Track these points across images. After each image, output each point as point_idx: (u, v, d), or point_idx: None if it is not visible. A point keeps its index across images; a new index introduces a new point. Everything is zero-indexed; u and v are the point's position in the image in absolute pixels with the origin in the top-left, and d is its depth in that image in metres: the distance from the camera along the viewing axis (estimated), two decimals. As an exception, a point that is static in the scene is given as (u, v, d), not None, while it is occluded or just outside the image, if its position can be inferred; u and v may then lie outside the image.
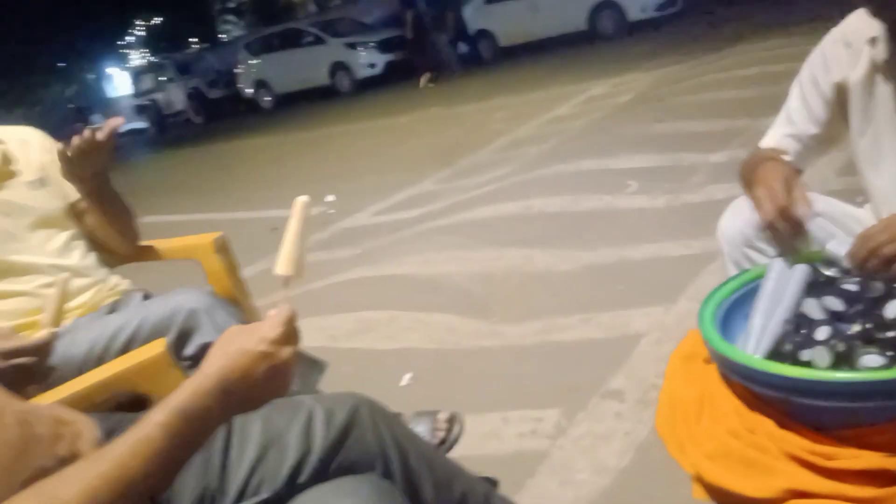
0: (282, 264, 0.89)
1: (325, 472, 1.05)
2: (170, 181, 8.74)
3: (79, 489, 0.66)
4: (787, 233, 1.15)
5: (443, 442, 1.66)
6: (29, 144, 1.65)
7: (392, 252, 3.42)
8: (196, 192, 7.13)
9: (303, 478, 1.03)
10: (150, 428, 0.72)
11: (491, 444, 1.84)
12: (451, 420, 1.69)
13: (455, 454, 1.73)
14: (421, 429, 1.64)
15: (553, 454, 1.71)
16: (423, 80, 11.38)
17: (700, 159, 3.69)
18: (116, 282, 1.69)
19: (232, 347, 0.80)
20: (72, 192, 1.71)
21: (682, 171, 3.56)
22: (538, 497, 1.59)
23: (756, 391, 0.99)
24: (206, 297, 1.44)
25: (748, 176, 1.30)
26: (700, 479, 1.03)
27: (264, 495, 1.01)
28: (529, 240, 3.07)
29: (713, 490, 1.01)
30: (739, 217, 1.37)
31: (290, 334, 0.82)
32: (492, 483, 1.52)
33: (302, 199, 0.92)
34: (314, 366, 1.57)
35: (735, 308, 1.17)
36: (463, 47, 12.61)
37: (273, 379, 0.81)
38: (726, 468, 0.98)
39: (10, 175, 1.57)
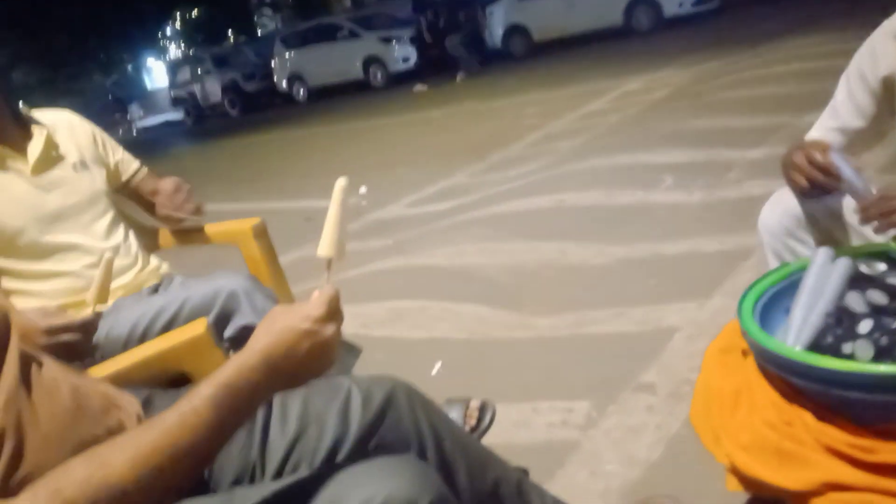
0: (324, 246, 0.91)
1: (361, 452, 1.06)
2: (206, 171, 8.87)
3: (129, 456, 0.69)
4: (820, 180, 1.18)
5: (474, 429, 1.67)
6: (71, 128, 1.69)
7: (424, 243, 3.44)
8: (231, 182, 7.22)
9: (340, 457, 1.05)
10: (197, 401, 0.74)
11: (521, 433, 1.84)
12: (483, 408, 1.70)
13: (485, 442, 1.74)
14: (453, 415, 1.65)
15: (583, 445, 1.71)
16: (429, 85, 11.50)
17: (737, 155, 3.64)
18: (157, 264, 1.73)
19: (277, 325, 0.82)
20: (115, 175, 1.75)
21: (719, 167, 3.52)
22: (567, 487, 1.59)
23: (795, 383, 0.98)
24: (246, 281, 1.47)
25: (787, 161, 1.29)
26: (734, 471, 1.02)
27: (303, 473, 1.03)
28: (562, 233, 3.06)
29: (748, 481, 1.01)
30: (780, 207, 1.35)
31: (333, 313, 0.84)
32: (524, 471, 1.53)
33: (341, 182, 0.93)
34: (350, 350, 1.59)
35: (775, 301, 1.16)
36: (480, 46, 12.64)
37: (317, 357, 0.82)
38: (762, 460, 0.98)
39: (55, 158, 1.61)
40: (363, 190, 4.98)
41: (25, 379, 0.85)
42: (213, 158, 10.33)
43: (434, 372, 2.22)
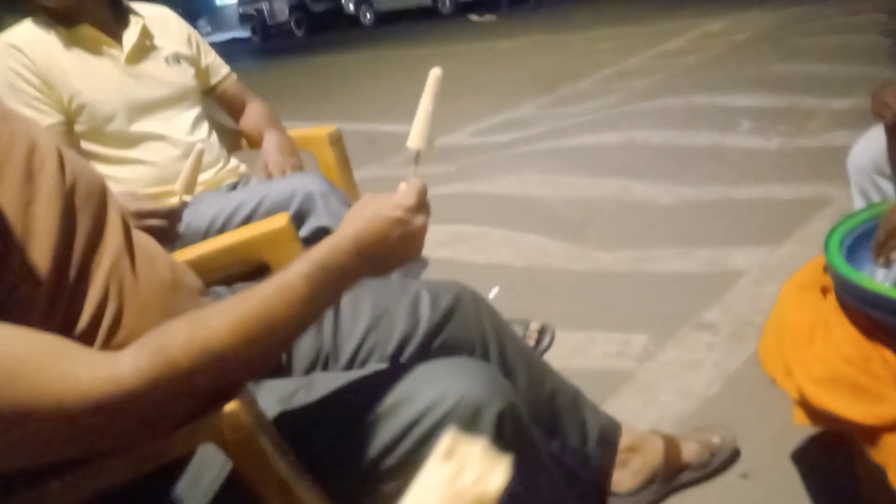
0: (414, 138, 0.90)
1: (427, 349, 1.09)
2: (271, 90, 8.90)
3: (229, 320, 0.71)
4: None
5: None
6: (167, 23, 1.71)
7: (487, 171, 3.42)
8: (296, 102, 7.24)
9: (408, 352, 1.09)
10: (293, 275, 0.76)
11: (576, 359, 1.86)
12: (542, 330, 1.72)
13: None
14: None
15: (638, 375, 1.72)
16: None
17: (821, 104, 3.47)
18: (236, 164, 1.77)
19: (368, 211, 0.83)
20: (204, 77, 1.78)
21: (800, 115, 3.37)
22: (621, 413, 1.60)
23: (878, 319, 0.96)
24: (323, 183, 1.49)
25: (878, 98, 1.23)
26: (804, 404, 1.02)
27: (374, 365, 1.07)
28: (630, 171, 3.00)
29: (817, 415, 1.00)
30: (871, 144, 1.31)
31: (422, 205, 0.85)
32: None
33: (436, 72, 0.91)
34: (418, 259, 1.61)
35: (862, 240, 1.12)
36: None
37: (405, 246, 0.83)
38: (834, 393, 0.97)
39: (149, 49, 1.64)
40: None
41: (129, 246, 0.89)
42: (279, 77, 10.35)
43: (492, 295, 2.24)
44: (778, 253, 2.14)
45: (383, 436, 0.83)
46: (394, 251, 0.82)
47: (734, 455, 1.41)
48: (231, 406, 0.72)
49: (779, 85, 3.90)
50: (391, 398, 0.84)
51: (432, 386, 0.85)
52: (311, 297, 0.76)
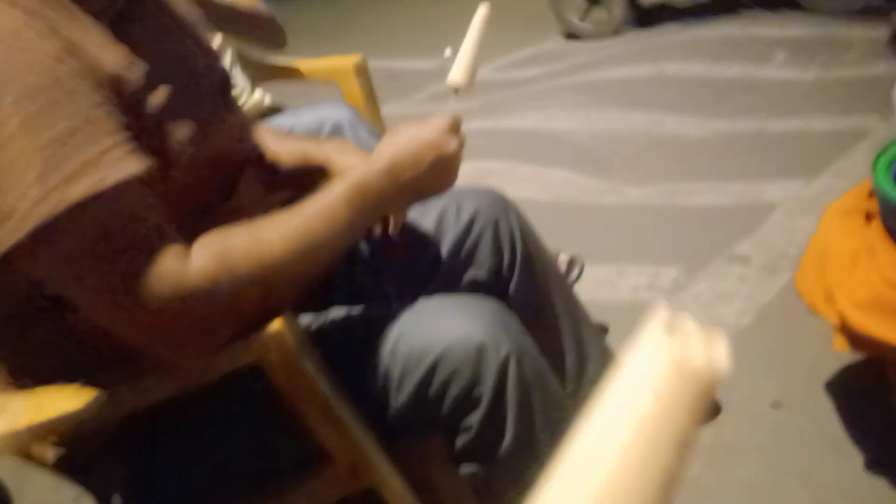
0: (456, 72, 0.88)
1: (455, 261, 1.08)
2: (294, 24, 8.75)
3: (281, 237, 0.72)
4: None
5: (562, 282, 1.69)
6: None
7: (512, 107, 3.35)
8: (314, 38, 7.12)
9: (436, 269, 1.08)
10: (333, 196, 0.76)
11: (604, 291, 1.86)
12: (572, 261, 1.71)
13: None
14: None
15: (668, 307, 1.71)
16: None
17: (859, 34, 3.34)
18: (261, 97, 1.74)
19: (402, 136, 0.81)
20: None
21: (837, 45, 3.24)
22: (651, 345, 1.61)
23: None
24: (351, 112, 1.47)
25: None
26: (845, 329, 1.01)
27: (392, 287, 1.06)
28: (660, 104, 2.92)
29: (859, 340, 0.99)
30: None
31: (457, 129, 0.83)
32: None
33: (483, 9, 0.88)
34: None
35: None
36: None
37: (440, 172, 0.82)
38: (878, 318, 0.95)
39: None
40: (447, 52, 4.84)
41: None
42: (295, 12, 10.15)
43: (519, 230, 2.23)
44: (813, 186, 2.09)
45: (390, 372, 0.83)
46: (428, 177, 0.81)
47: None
48: (275, 326, 0.72)
49: (815, 14, 3.75)
50: (396, 334, 0.85)
51: (436, 325, 0.85)
52: (349, 218, 0.76)
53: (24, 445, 0.71)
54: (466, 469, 0.87)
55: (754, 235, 1.90)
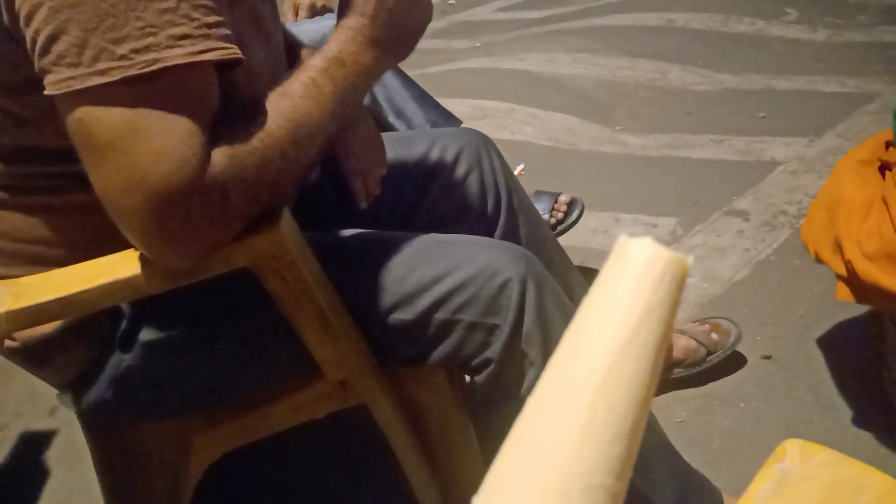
0: None
1: (440, 201, 1.04)
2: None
3: (281, 122, 0.67)
4: None
5: (560, 222, 1.66)
6: None
7: (513, 48, 3.26)
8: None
9: (420, 206, 1.04)
10: (313, 73, 0.71)
11: (598, 238, 1.84)
12: (572, 203, 1.67)
13: (563, 244, 1.73)
14: (540, 207, 1.63)
15: (664, 257, 1.69)
16: None
17: (874, -3, 3.27)
18: None
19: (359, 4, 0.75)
20: None
21: (850, 7, 3.17)
22: (644, 291, 1.59)
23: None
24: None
25: None
26: (852, 280, 0.99)
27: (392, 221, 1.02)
28: (667, 54, 2.86)
29: (867, 290, 0.97)
30: None
31: None
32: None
33: None
34: (450, 119, 1.55)
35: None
36: None
37: (412, 7, 0.76)
38: (889, 269, 0.93)
39: None
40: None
41: None
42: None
43: (516, 172, 2.18)
44: (817, 145, 2.06)
45: (404, 288, 0.80)
46: (401, 13, 0.74)
47: (735, 355, 1.33)
48: (274, 229, 0.68)
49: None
50: (409, 254, 0.81)
51: (456, 252, 0.81)
52: (334, 93, 0.71)
53: (4, 334, 0.68)
54: (482, 409, 0.84)
55: (755, 191, 1.88)
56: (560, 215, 1.65)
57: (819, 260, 1.08)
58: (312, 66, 0.71)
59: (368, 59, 0.73)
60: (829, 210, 1.07)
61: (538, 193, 1.69)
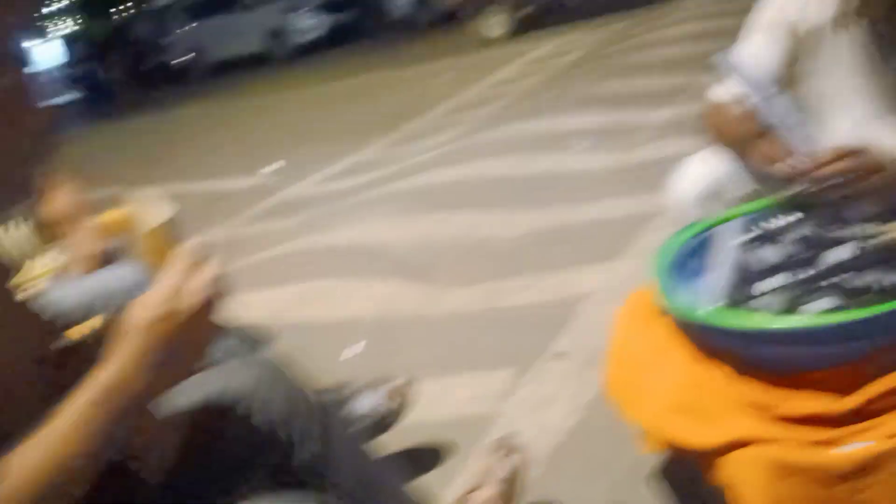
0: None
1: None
2: (116, 152, 8.31)
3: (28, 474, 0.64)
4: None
5: (398, 409, 1.58)
6: None
7: (332, 222, 3.32)
8: (136, 164, 6.81)
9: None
10: (83, 406, 0.67)
11: (436, 409, 1.79)
12: (405, 387, 1.61)
13: (404, 421, 1.66)
14: (369, 401, 1.55)
15: (500, 417, 1.67)
16: None
17: (647, 117, 3.67)
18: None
19: (130, 326, 0.71)
20: None
21: (628, 130, 3.54)
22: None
23: (708, 342, 0.96)
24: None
25: (722, 128, 1.28)
26: (653, 433, 1.00)
27: None
28: (473, 204, 3.01)
29: (664, 443, 0.98)
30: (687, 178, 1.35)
31: (189, 280, 0.72)
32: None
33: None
34: (256, 341, 1.47)
35: (689, 258, 1.13)
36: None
37: (187, 336, 0.71)
38: (677, 420, 0.95)
39: None
40: (273, 167, 4.74)
41: None
42: (116, 139, 9.69)
43: (350, 353, 2.13)
44: (618, 270, 2.19)
45: None
46: (178, 349, 0.70)
47: None
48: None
49: (609, 102, 4.10)
50: None
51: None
52: (106, 422, 0.67)
53: None
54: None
55: (570, 330, 1.94)
56: (399, 399, 1.58)
57: (624, 416, 1.10)
58: (84, 399, 0.67)
59: (143, 385, 0.70)
60: (620, 365, 1.10)
61: (369, 385, 1.62)
